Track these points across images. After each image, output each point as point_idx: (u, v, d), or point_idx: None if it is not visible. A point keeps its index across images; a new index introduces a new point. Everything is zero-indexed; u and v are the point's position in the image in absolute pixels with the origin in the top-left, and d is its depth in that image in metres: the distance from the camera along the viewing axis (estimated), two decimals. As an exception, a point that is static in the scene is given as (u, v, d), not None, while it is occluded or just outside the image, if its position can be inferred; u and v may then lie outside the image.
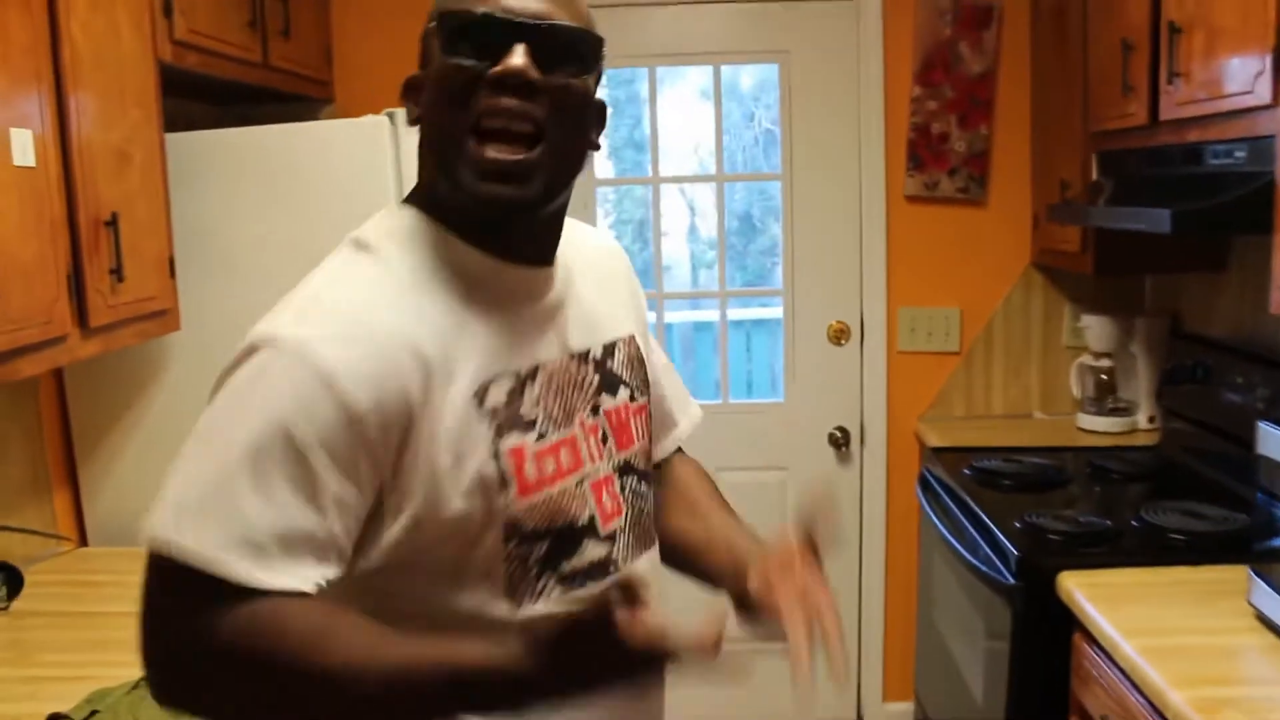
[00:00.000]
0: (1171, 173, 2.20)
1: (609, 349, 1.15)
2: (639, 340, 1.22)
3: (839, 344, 3.12)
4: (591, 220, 3.11)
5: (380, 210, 1.08)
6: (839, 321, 3.10)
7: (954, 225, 3.04)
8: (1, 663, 1.67)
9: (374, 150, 2.11)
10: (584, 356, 1.11)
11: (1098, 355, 2.89)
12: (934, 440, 2.86)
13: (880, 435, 3.13)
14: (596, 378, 1.11)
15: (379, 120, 2.11)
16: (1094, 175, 2.55)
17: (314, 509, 0.91)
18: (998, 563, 2.04)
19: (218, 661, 0.90)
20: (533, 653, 0.87)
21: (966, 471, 2.49)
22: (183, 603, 0.91)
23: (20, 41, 1.58)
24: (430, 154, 1.03)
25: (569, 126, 0.99)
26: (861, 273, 3.07)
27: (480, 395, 0.99)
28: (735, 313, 3.83)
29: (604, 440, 1.11)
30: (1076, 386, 2.97)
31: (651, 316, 3.40)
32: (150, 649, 0.93)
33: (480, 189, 0.97)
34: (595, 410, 1.10)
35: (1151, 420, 2.86)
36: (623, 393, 1.15)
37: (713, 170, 3.18)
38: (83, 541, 2.27)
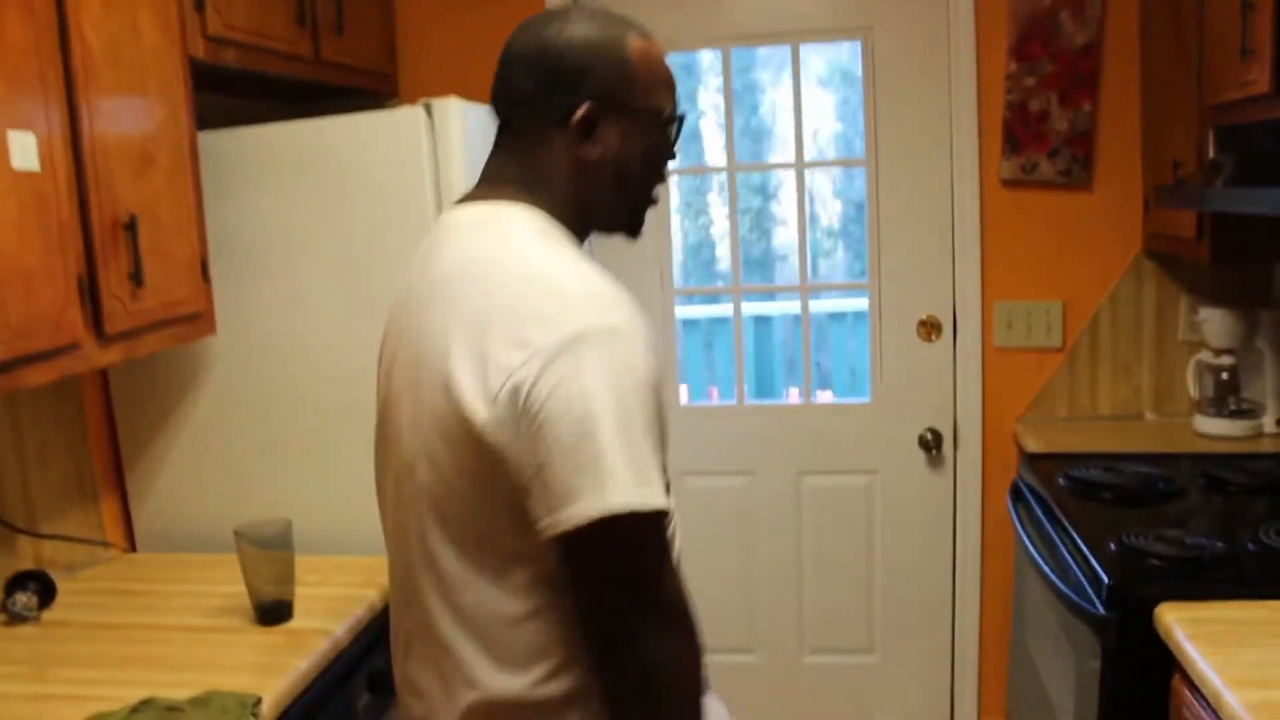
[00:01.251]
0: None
1: None
2: None
3: (929, 340, 2.89)
4: (706, 210, 2.96)
5: (508, 207, 1.24)
6: (930, 315, 2.87)
7: (1055, 211, 2.78)
8: (14, 678, 1.61)
9: (410, 143, 2.00)
10: None
11: (1218, 352, 2.60)
12: (1032, 444, 2.62)
13: (975, 438, 2.89)
14: None
15: (414, 111, 2.00)
16: (1210, 153, 2.27)
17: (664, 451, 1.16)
18: (1089, 589, 1.81)
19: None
20: None
21: (1062, 481, 2.26)
22: (661, 544, 1.13)
23: (19, 42, 1.50)
24: (619, 191, 1.28)
25: None
26: (954, 263, 2.84)
27: None
28: (821, 304, 3.63)
29: None
30: (1194, 386, 2.69)
31: (752, 309, 3.26)
32: (669, 593, 1.13)
33: (637, 223, 1.34)
34: None
35: (1279, 424, 2.56)
36: None
37: (810, 156, 2.99)
38: (131, 547, 2.23)
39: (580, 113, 1.22)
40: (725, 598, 3.04)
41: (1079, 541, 1.92)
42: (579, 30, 1.23)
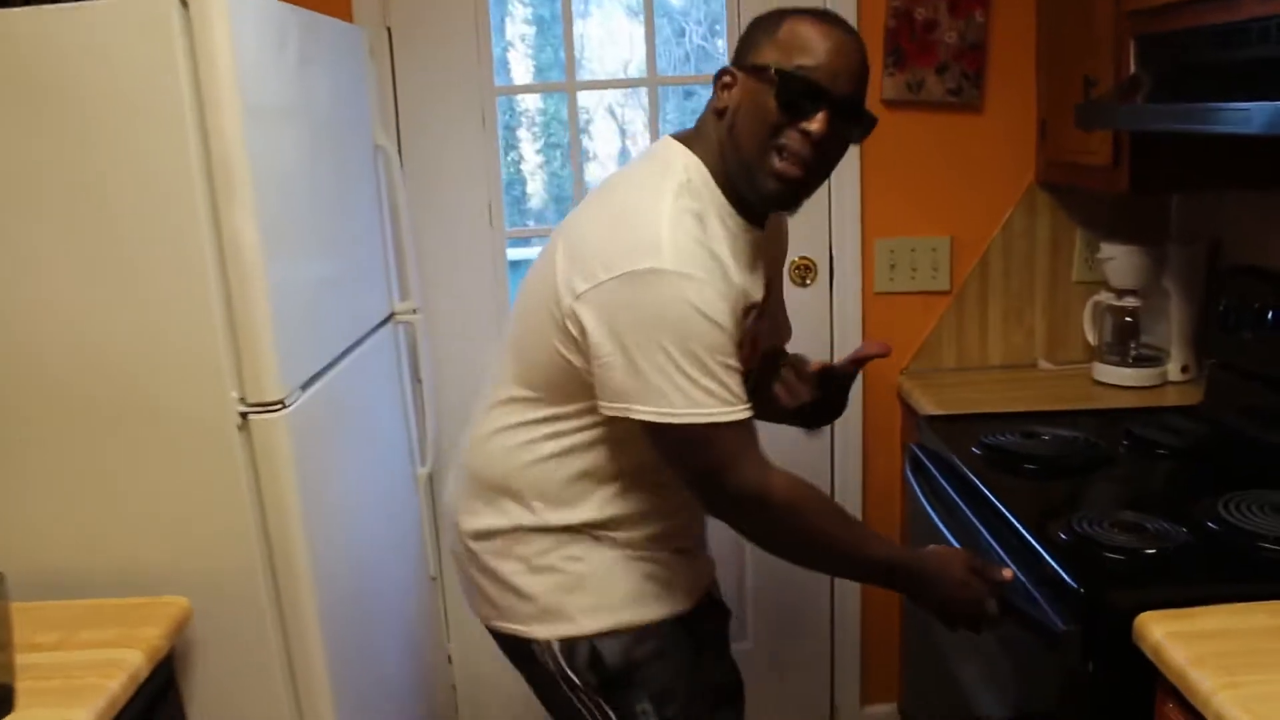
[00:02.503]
0: (1244, 56, 1.65)
1: (770, 280, 1.62)
2: (774, 277, 1.69)
3: (803, 285, 2.55)
4: (499, 137, 2.50)
5: (677, 151, 1.46)
6: (802, 258, 2.53)
7: (943, 136, 2.47)
8: None
9: (159, 43, 1.48)
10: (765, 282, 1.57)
11: (1120, 293, 2.36)
12: (926, 404, 2.32)
13: (856, 395, 2.56)
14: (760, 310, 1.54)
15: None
16: (1131, 67, 1.99)
17: None
18: (1040, 599, 1.50)
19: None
20: (926, 575, 1.49)
21: (976, 451, 1.96)
22: (712, 447, 1.38)
23: None
24: (735, 148, 1.43)
25: (828, 167, 1.47)
26: (829, 197, 2.50)
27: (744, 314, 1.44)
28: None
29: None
30: (1092, 331, 2.45)
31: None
32: (737, 486, 1.38)
33: (768, 188, 1.43)
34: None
35: (1185, 371, 2.35)
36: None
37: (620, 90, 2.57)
38: None
39: (722, 74, 1.46)
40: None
41: (1025, 533, 1.61)
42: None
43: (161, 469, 1.62)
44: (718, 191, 1.45)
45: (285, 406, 1.63)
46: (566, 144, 2.62)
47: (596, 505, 1.50)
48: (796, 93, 1.38)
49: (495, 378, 1.57)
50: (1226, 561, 1.49)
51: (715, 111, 1.46)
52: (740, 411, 1.37)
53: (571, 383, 1.43)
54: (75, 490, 1.62)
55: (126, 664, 1.41)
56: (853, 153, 2.47)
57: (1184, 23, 1.82)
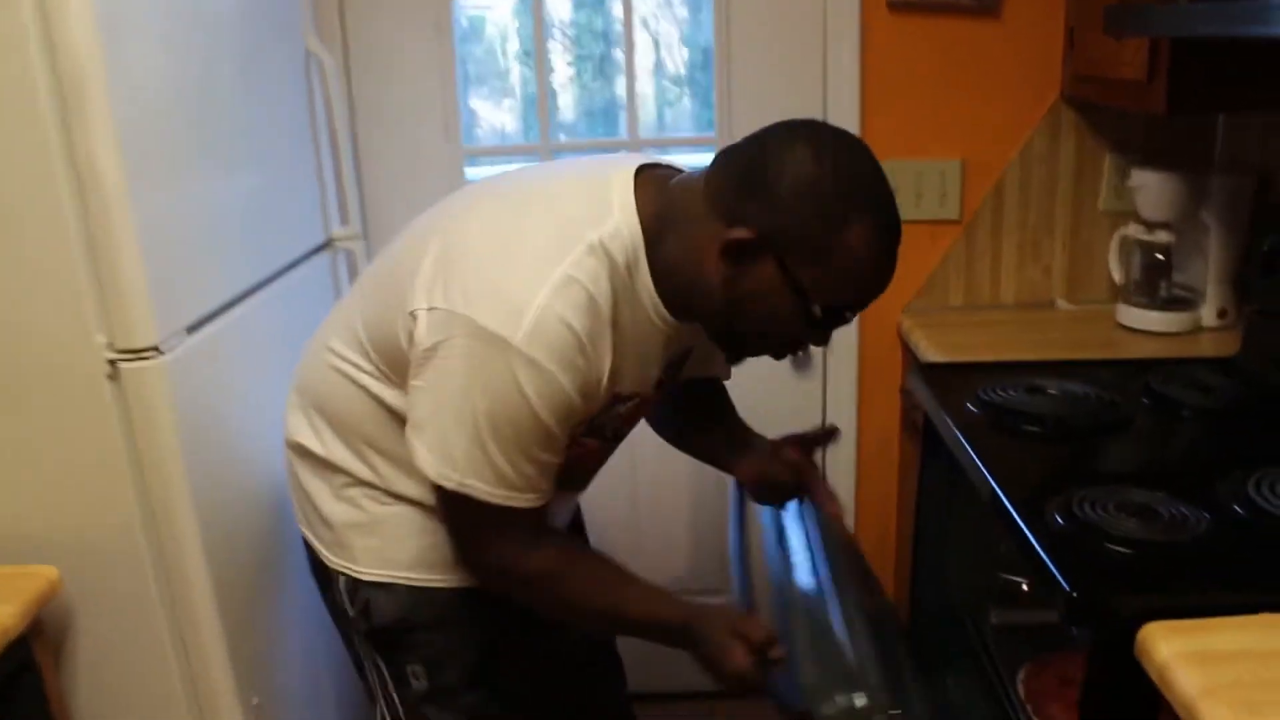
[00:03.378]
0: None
1: (681, 366, 1.44)
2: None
3: (795, 212, 2.30)
4: (453, 40, 2.24)
5: (622, 198, 1.23)
6: (795, 181, 2.28)
7: (955, 44, 2.18)
8: None
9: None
10: (665, 384, 1.42)
11: (1152, 226, 2.09)
12: (925, 348, 2.08)
13: (850, 334, 2.35)
14: (658, 393, 1.43)
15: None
16: (1173, -38, 1.70)
17: None
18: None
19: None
20: (690, 633, 1.29)
21: (972, 408, 1.72)
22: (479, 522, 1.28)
23: None
24: (724, 315, 1.23)
25: None
26: (824, 113, 2.22)
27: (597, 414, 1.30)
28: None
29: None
30: (1118, 268, 2.19)
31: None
32: (488, 562, 1.32)
33: (735, 355, 1.35)
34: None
35: (1222, 315, 2.09)
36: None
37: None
38: None
39: (741, 234, 1.17)
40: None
41: (1012, 511, 1.38)
42: (828, 184, 1.15)
43: (24, 423, 1.42)
44: (646, 273, 1.23)
45: (162, 353, 1.42)
46: (598, 57, 2.36)
47: (407, 467, 1.32)
48: (831, 325, 1.23)
49: (358, 296, 1.42)
50: (1254, 559, 1.26)
51: (707, 267, 1.19)
52: (526, 500, 1.25)
53: (403, 364, 1.28)
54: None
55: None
56: (850, 64, 2.20)
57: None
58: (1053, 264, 2.29)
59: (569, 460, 1.33)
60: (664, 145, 2.42)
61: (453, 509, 1.27)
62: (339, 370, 1.38)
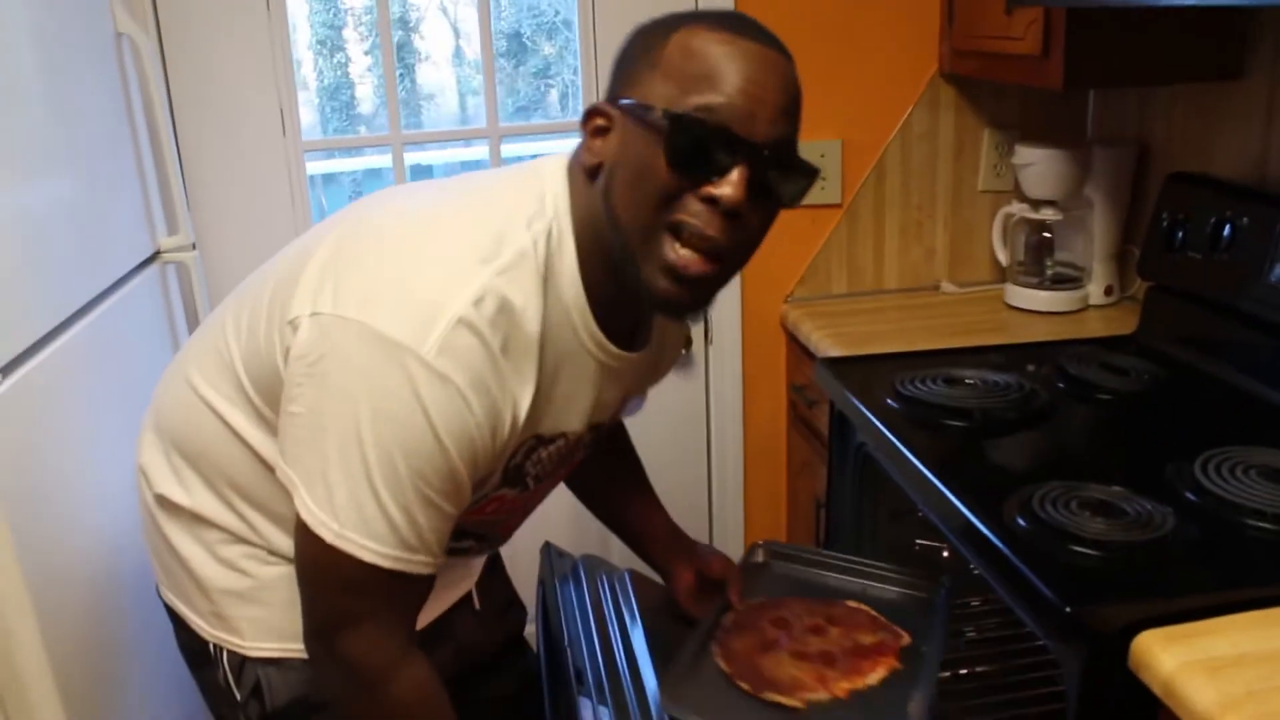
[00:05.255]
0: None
1: (621, 406, 1.26)
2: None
3: (670, 200, 2.20)
4: (288, 24, 2.02)
5: (554, 188, 1.07)
6: (668, 167, 2.18)
7: (830, 17, 2.13)
8: None
9: None
10: (599, 426, 1.22)
11: (1037, 203, 2.09)
12: (821, 340, 2.02)
13: (733, 326, 2.27)
14: (592, 436, 1.22)
15: None
16: (1066, -69, 1.67)
17: None
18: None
19: None
20: None
21: (892, 404, 1.65)
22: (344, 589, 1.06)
23: None
24: (615, 227, 1.03)
25: (748, 247, 1.07)
26: (699, 94, 2.14)
27: (514, 455, 1.10)
28: (512, 149, 2.89)
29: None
30: (1002, 248, 2.18)
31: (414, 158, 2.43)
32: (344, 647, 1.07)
33: (657, 288, 1.02)
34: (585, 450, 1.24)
35: (1108, 293, 2.11)
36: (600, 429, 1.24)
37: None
38: None
39: (592, 122, 1.06)
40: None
41: (968, 515, 1.31)
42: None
43: None
44: (578, 284, 1.06)
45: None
46: (395, 44, 2.16)
47: (288, 523, 1.11)
48: (696, 144, 0.98)
49: (230, 312, 1.19)
50: (1228, 549, 1.23)
51: (586, 171, 1.06)
52: (418, 564, 1.03)
53: (278, 387, 1.08)
54: None
55: None
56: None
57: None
58: (935, 245, 2.26)
59: (483, 519, 1.17)
60: (529, 134, 2.27)
61: (319, 567, 1.03)
62: (205, 404, 1.17)
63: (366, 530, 0.99)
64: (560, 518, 1.86)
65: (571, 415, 1.14)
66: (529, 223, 1.05)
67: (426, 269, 1.00)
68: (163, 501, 1.24)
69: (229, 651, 1.23)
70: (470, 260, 1.01)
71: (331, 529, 0.99)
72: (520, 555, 1.75)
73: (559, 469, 1.22)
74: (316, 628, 1.07)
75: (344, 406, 0.98)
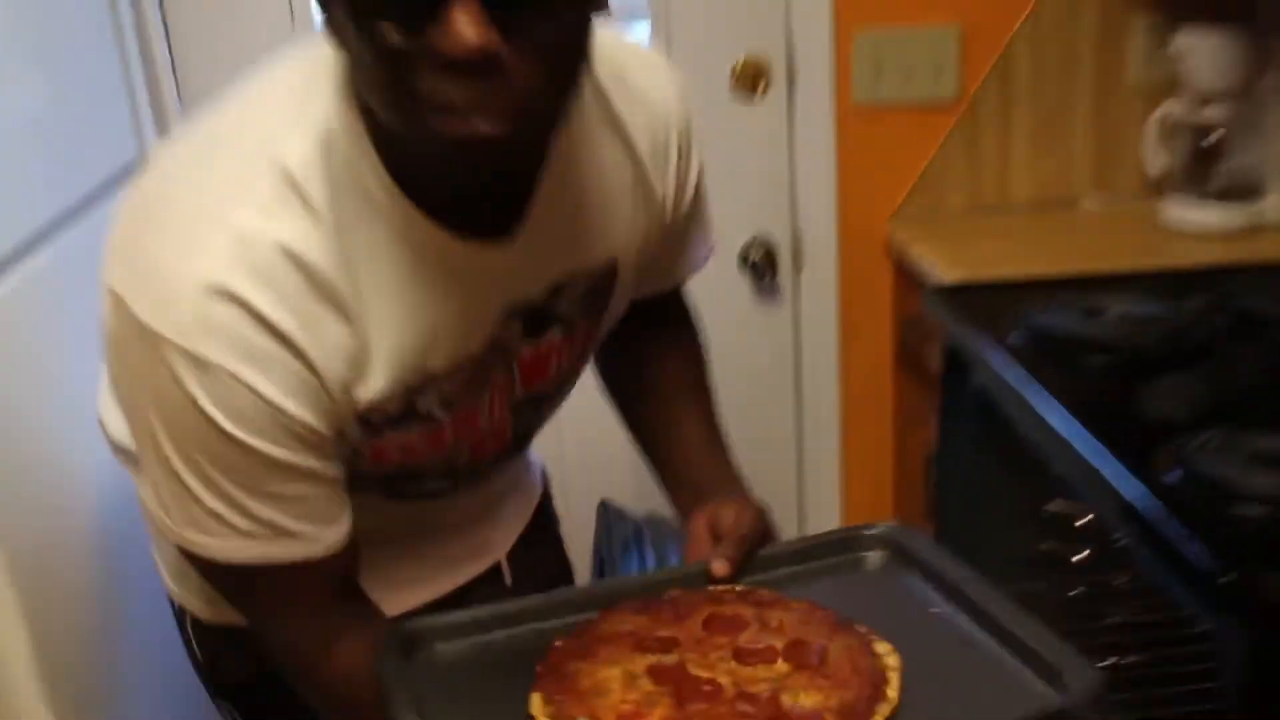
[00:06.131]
0: None
1: (556, 289, 1.07)
2: (625, 256, 1.12)
3: (750, 96, 2.14)
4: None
5: (324, 84, 0.93)
6: (750, 58, 2.11)
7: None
8: None
9: None
10: (515, 309, 1.05)
11: (1201, 101, 1.99)
12: (936, 266, 1.95)
13: (828, 250, 2.17)
14: (519, 327, 1.07)
15: None
16: None
17: None
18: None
19: None
20: None
21: (1019, 339, 1.56)
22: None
23: None
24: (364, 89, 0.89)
25: (565, 72, 0.88)
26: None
27: (368, 413, 0.99)
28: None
29: (508, 388, 1.11)
30: (1157, 155, 2.08)
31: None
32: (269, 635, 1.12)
33: (450, 156, 0.88)
34: (509, 366, 1.09)
35: (1293, 209, 2.01)
36: (553, 330, 1.10)
37: None
38: None
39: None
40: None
41: (1120, 477, 1.24)
42: None
43: None
44: (383, 178, 0.93)
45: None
46: None
47: None
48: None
49: None
50: None
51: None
52: (285, 550, 0.98)
53: None
54: None
55: None
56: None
57: None
58: (1075, 152, 2.16)
59: (407, 465, 1.08)
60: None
61: (200, 567, 1.04)
62: None
63: (203, 529, 0.98)
64: (623, 464, 1.64)
65: (437, 345, 1.00)
66: (302, 127, 0.92)
67: (167, 231, 0.92)
68: (118, 450, 1.22)
69: (190, 615, 1.28)
70: (220, 205, 0.91)
71: (175, 533, 0.99)
72: (574, 514, 1.71)
73: (481, 391, 1.09)
74: (247, 621, 1.11)
75: (135, 413, 0.97)
